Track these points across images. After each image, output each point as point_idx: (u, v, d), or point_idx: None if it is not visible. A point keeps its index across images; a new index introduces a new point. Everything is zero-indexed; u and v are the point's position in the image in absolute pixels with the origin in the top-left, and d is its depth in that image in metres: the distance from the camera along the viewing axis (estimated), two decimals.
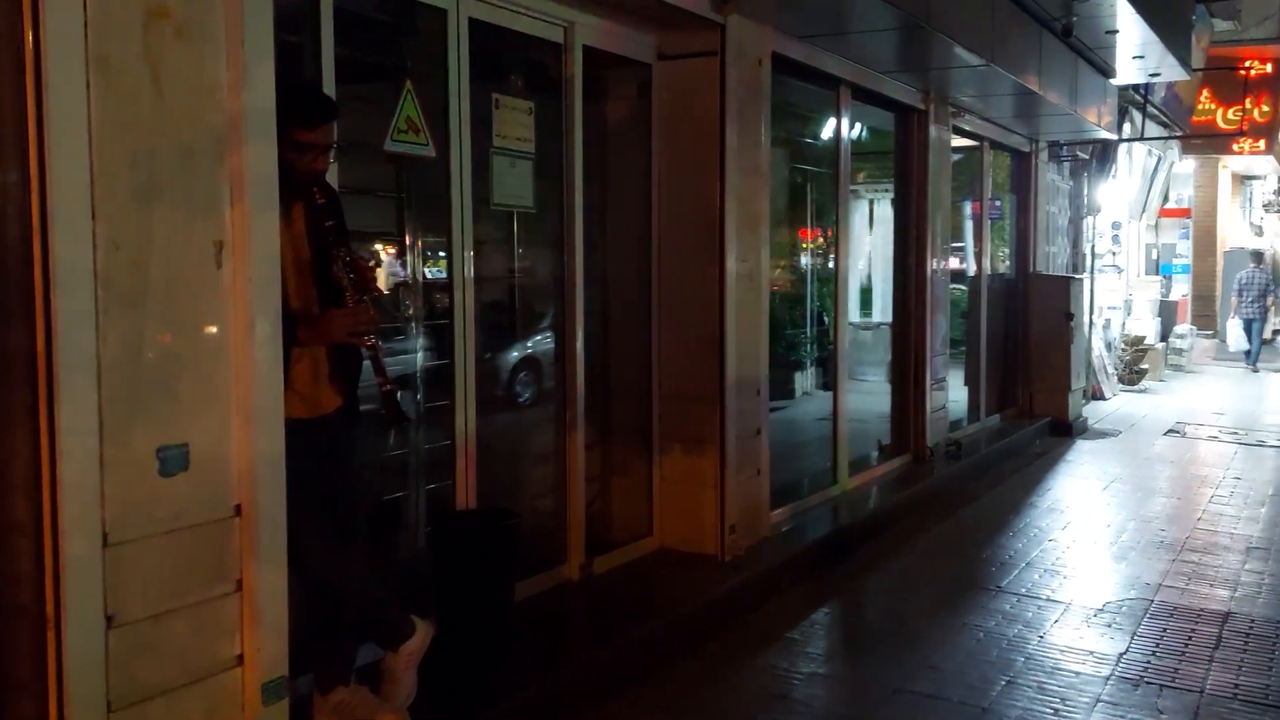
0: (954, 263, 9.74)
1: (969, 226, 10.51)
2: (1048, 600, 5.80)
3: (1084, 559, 6.65)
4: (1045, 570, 6.35)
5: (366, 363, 3.48)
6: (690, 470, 5.78)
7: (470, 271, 4.60)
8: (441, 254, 4.64)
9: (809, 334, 9.13)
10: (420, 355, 4.64)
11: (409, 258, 4.56)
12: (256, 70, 3.13)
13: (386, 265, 4.70)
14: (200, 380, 3.05)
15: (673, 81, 5.73)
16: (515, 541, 4.31)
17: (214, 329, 3.08)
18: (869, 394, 9.07)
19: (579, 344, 5.24)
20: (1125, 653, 5.04)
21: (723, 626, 5.17)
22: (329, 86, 3.89)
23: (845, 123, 7.47)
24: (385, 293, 3.53)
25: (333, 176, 3.89)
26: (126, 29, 2.84)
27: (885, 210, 10.44)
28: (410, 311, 4.58)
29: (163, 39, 2.92)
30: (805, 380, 9.50)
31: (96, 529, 2.80)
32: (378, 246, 4.65)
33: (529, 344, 5.71)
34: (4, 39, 2.68)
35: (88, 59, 2.74)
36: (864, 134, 9.11)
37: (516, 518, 4.35)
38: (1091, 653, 5.05)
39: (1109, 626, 5.40)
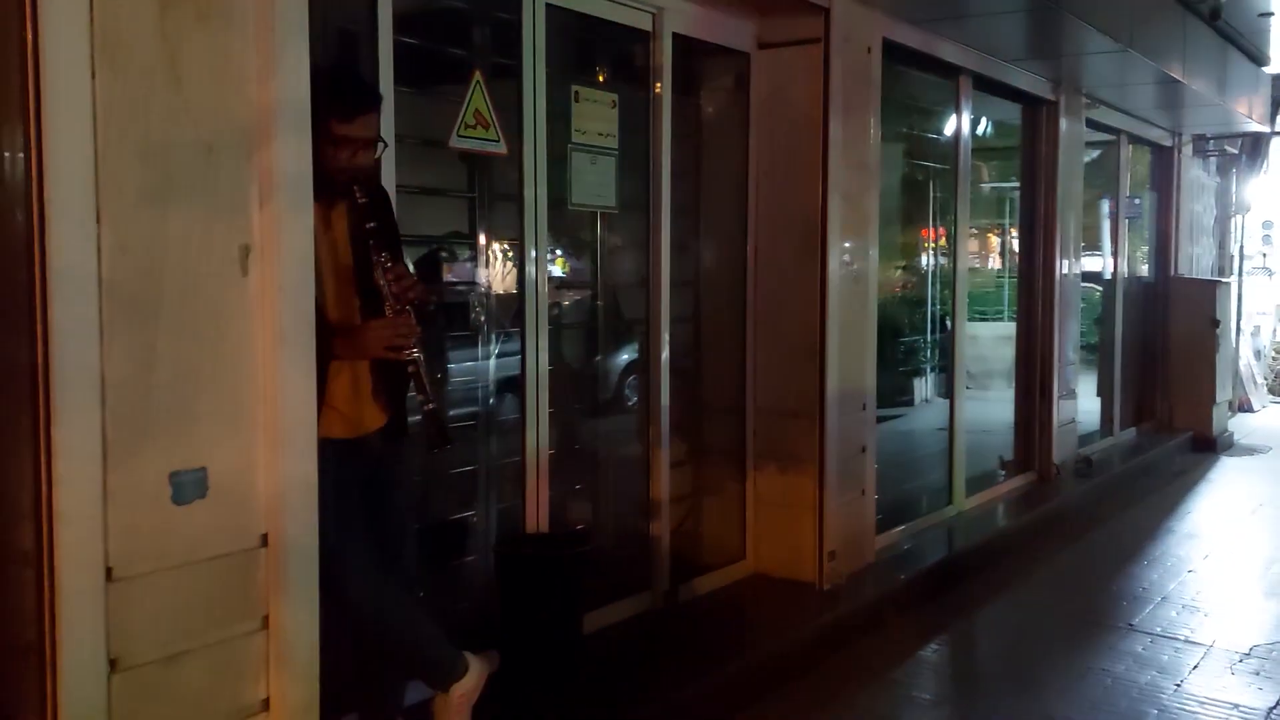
0: (1087, 264, 9.13)
1: (1104, 226, 9.84)
2: (1186, 642, 5.22)
3: (1228, 594, 6.01)
4: (1183, 606, 5.74)
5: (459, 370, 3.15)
6: (786, 491, 5.37)
7: (543, 276, 4.27)
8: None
9: (930, 338, 8.66)
10: (493, 363, 4.33)
11: (481, 260, 4.25)
12: (288, 57, 2.84)
13: (465, 268, 4.39)
14: (221, 398, 2.77)
15: (772, 71, 5.32)
16: (583, 570, 3.97)
17: (238, 341, 2.80)
18: (992, 404, 8.50)
19: (664, 354, 4.87)
20: (1275, 707, 4.45)
21: (818, 663, 4.74)
22: (386, 77, 3.61)
23: (965, 115, 6.95)
24: (433, 301, 3.21)
25: (397, 175, 3.65)
26: (139, 11, 2.57)
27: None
28: (483, 318, 4.27)
29: (182, 23, 2.65)
30: (925, 387, 9.04)
31: (98, 563, 2.53)
32: (437, 250, 4.35)
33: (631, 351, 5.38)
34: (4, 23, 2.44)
35: (93, 44, 2.48)
36: (988, 127, 8.54)
37: (585, 544, 4.01)
38: (1236, 706, 4.48)
39: (1256, 675, 4.81)
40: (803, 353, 5.28)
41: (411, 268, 3.29)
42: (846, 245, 5.35)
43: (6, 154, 2.46)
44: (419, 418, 3.17)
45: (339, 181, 2.98)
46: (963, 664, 5.26)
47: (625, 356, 5.29)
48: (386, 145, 3.13)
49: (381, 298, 3.02)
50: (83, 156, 2.47)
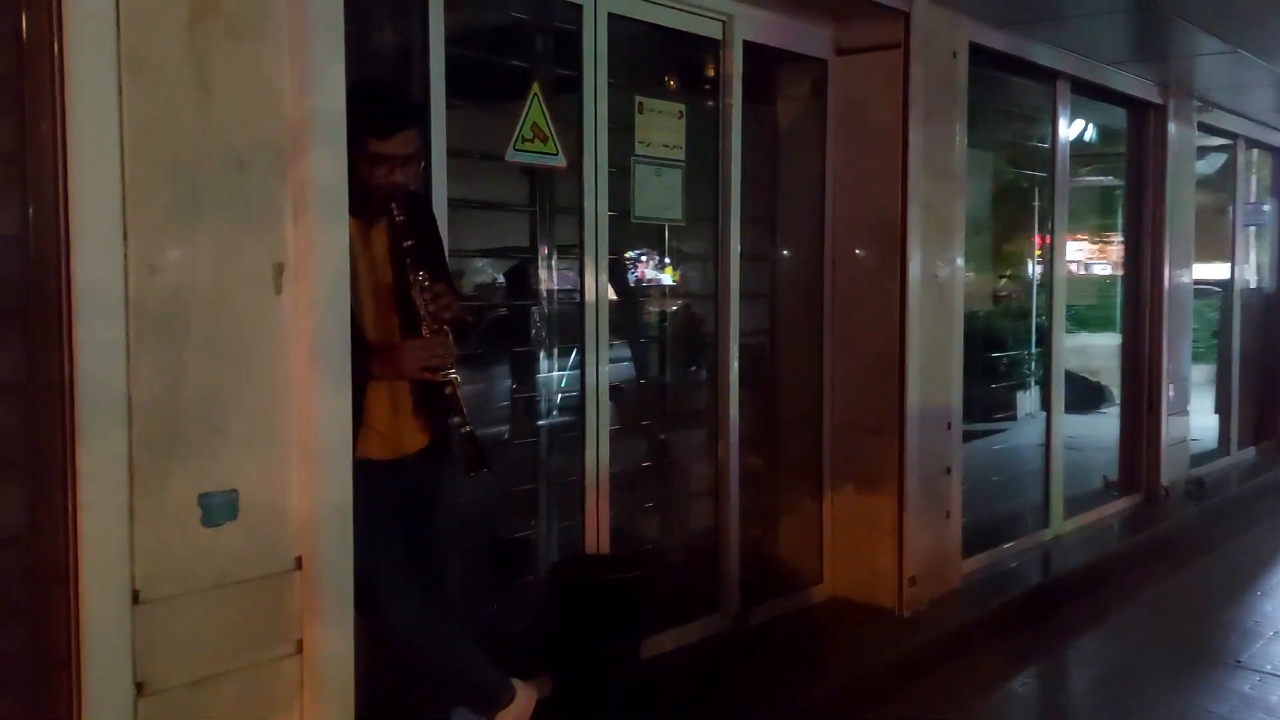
0: (1201, 274, 8.69)
1: (1221, 234, 9.36)
2: None
3: None
4: None
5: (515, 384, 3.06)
6: (865, 512, 5.17)
7: (603, 289, 4.17)
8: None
9: (1034, 350, 8.33)
10: (555, 378, 4.25)
11: (541, 275, 4.16)
12: (324, 71, 2.79)
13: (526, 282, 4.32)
14: (253, 418, 2.72)
15: (851, 78, 5.15)
16: (641, 593, 3.85)
17: (271, 360, 2.75)
18: (1103, 419, 8.14)
19: (732, 370, 4.73)
20: None
21: (894, 693, 4.53)
22: (437, 92, 3.55)
23: (1063, 120, 6.65)
24: (471, 320, 3.13)
25: (454, 189, 3.59)
26: (167, 27, 2.54)
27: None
28: (543, 334, 4.19)
29: (211, 38, 2.61)
30: (1028, 401, 8.71)
31: (124, 585, 2.50)
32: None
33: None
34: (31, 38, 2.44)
35: (119, 60, 2.45)
36: (1091, 132, 8.18)
37: (644, 568, 3.88)
38: None
39: None
40: (882, 367, 5.09)
41: (451, 283, 3.20)
42: (929, 256, 5.15)
43: (33, 171, 2.45)
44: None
45: (377, 199, 2.92)
46: (1053, 698, 4.99)
47: (693, 370, 5.15)
48: (422, 164, 3.05)
49: (419, 317, 2.94)
50: (109, 174, 2.44)
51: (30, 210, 2.49)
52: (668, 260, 4.90)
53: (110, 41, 2.43)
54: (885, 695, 4.50)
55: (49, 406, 2.47)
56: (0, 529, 2.62)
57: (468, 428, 2.99)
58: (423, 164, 3.10)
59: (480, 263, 4.91)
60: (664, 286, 4.96)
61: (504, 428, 4.30)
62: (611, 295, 4.30)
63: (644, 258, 4.95)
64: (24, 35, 2.47)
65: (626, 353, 5.07)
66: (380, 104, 2.94)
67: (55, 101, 2.39)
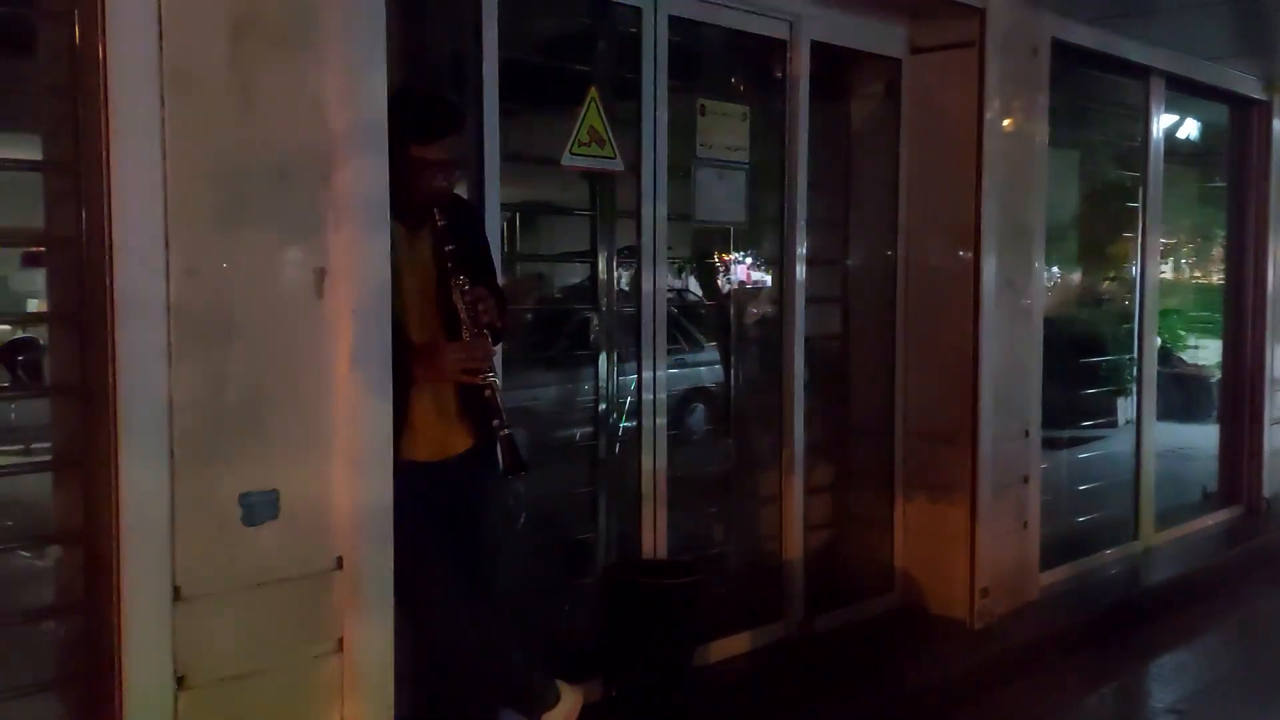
0: None
1: None
2: None
3: None
4: None
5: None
6: (937, 521, 5.06)
7: (661, 293, 4.16)
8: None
9: (1134, 355, 8.06)
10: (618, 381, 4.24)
11: (601, 279, 4.17)
12: (365, 81, 2.83)
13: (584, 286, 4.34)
14: (294, 421, 2.78)
15: (925, 77, 5.05)
16: (694, 600, 3.82)
17: (312, 364, 2.80)
18: (1195, 429, 7.84)
19: (797, 376, 4.67)
20: None
21: (962, 708, 4.43)
22: (491, 96, 3.58)
23: (1156, 118, 6.42)
24: (501, 325, 3.14)
25: (510, 193, 3.61)
26: (209, 39, 2.61)
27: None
28: (601, 339, 4.19)
29: (254, 49, 2.68)
30: (1128, 407, 8.44)
31: (165, 581, 2.57)
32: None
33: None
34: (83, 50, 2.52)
35: (162, 72, 2.52)
36: (1189, 130, 7.88)
37: (697, 574, 3.86)
38: None
39: None
40: (954, 374, 4.98)
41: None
42: (1005, 258, 5.01)
43: (86, 180, 2.53)
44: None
45: (420, 204, 2.96)
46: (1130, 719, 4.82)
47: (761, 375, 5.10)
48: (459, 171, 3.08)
49: (459, 320, 2.97)
50: (151, 182, 2.51)
51: (83, 218, 2.57)
52: (761, 262, 4.86)
53: (153, 54, 2.50)
54: (953, 709, 4.41)
55: (97, 407, 2.56)
56: (63, 525, 2.74)
57: (507, 430, 3.01)
58: (462, 170, 3.10)
59: (540, 267, 4.94)
60: (754, 288, 4.94)
61: (562, 431, 4.31)
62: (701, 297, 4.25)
63: (740, 260, 4.91)
64: (76, 48, 2.57)
65: (703, 357, 5.06)
66: (422, 109, 2.98)
67: (100, 113, 2.47)
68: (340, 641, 2.87)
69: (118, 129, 2.47)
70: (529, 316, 4.54)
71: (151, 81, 2.51)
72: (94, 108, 2.49)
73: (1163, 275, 7.23)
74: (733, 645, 4.47)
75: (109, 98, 2.46)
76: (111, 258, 2.48)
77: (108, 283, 2.49)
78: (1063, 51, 5.42)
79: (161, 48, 2.52)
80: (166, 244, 2.55)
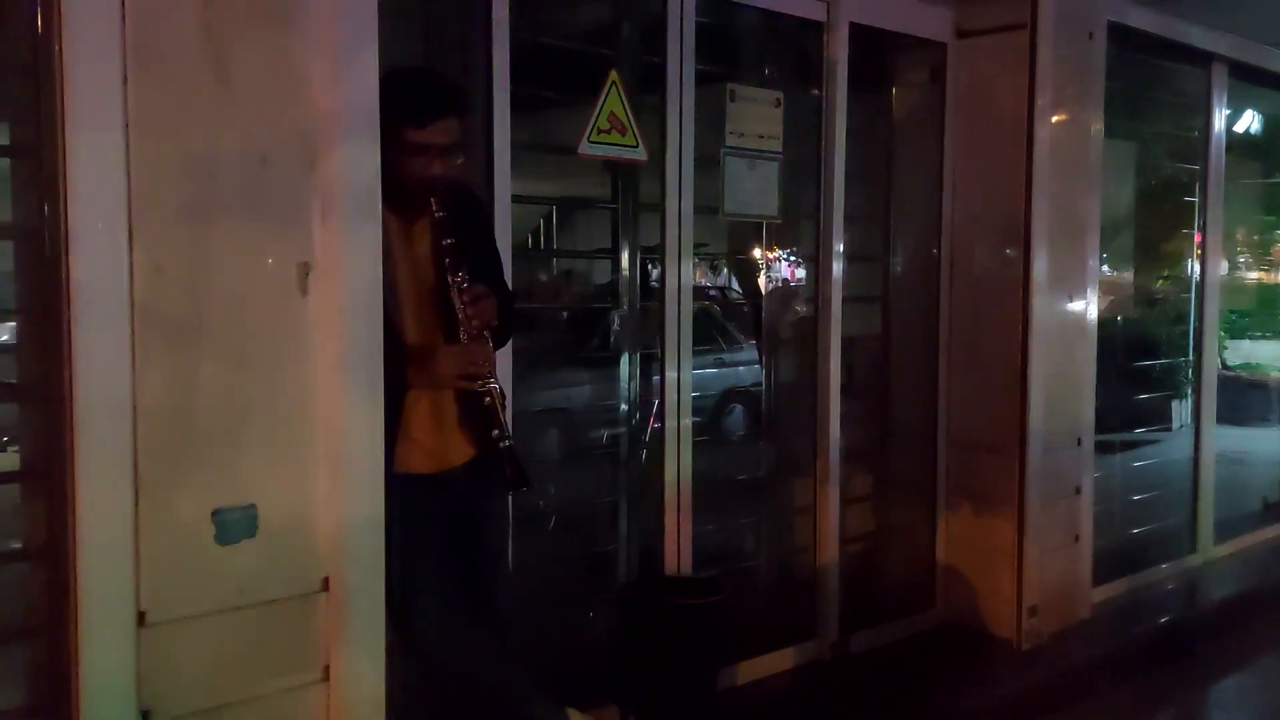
0: None
1: None
2: None
3: None
4: None
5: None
6: (981, 534, 4.77)
7: (687, 291, 3.90)
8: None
9: (1190, 357, 7.71)
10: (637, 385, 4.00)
11: (624, 274, 3.92)
12: (355, 59, 2.59)
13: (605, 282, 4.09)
14: (274, 429, 2.55)
15: (972, 62, 4.75)
16: (716, 620, 3.57)
17: (295, 368, 2.57)
18: (1253, 433, 7.48)
19: (833, 379, 4.39)
20: None
21: None
22: (501, 79, 3.33)
23: (1219, 107, 6.07)
24: (503, 326, 2.89)
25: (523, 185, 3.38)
26: (179, 11, 2.38)
27: None
28: (624, 337, 3.94)
29: (230, 21, 2.44)
30: (1184, 411, 8.08)
31: (128, 604, 2.35)
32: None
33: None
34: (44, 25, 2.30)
35: (124, 45, 2.30)
36: (1251, 122, 7.50)
37: (720, 593, 3.59)
38: None
39: None
40: (1002, 378, 4.68)
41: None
42: (1057, 256, 4.70)
43: (47, 166, 2.31)
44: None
45: (415, 193, 2.71)
46: None
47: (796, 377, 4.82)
48: (463, 158, 2.83)
49: (456, 321, 2.73)
50: (111, 170, 2.28)
51: (45, 207, 2.36)
52: (796, 258, 4.60)
53: (114, 25, 2.27)
54: None
55: (56, 413, 2.34)
56: (27, 541, 2.52)
57: (507, 442, 2.76)
58: (464, 156, 2.85)
59: (562, 264, 4.71)
60: (789, 285, 4.68)
61: (581, 435, 4.07)
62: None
63: (778, 257, 4.65)
64: (39, 23, 2.35)
65: (741, 356, 4.81)
66: (416, 89, 2.73)
67: (55, 91, 2.25)
68: (326, 670, 2.63)
69: (74, 109, 2.24)
70: (546, 315, 4.29)
71: (112, 56, 2.28)
72: (49, 86, 2.27)
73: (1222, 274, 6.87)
74: (762, 666, 4.21)
75: (64, 74, 2.24)
76: (67, 251, 2.26)
77: (63, 278, 2.27)
78: (1119, 36, 5.10)
79: (124, 15, 2.29)
80: (130, 236, 2.32)
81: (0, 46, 2.46)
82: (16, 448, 2.58)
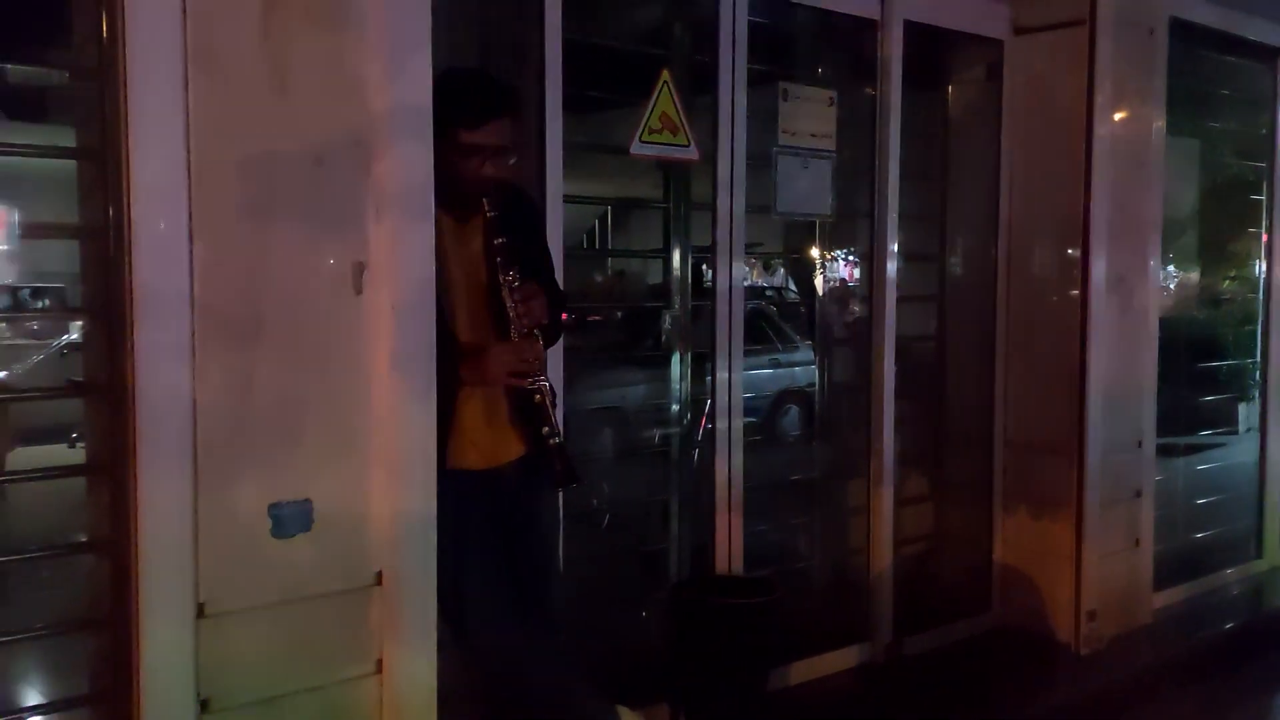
0: None
1: None
2: None
3: None
4: None
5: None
6: (1039, 537, 4.71)
7: (737, 290, 3.90)
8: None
9: (1256, 359, 7.55)
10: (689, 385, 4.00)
11: (675, 274, 3.92)
12: (409, 61, 2.64)
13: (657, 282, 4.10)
14: (329, 425, 2.59)
15: (1029, 59, 4.70)
16: (768, 621, 3.56)
17: (349, 365, 2.62)
18: None
19: (887, 380, 4.36)
20: None
21: None
22: (553, 79, 3.35)
23: None
24: (558, 323, 2.91)
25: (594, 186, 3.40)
26: (239, 16, 2.43)
27: None
28: (674, 339, 3.95)
29: (288, 25, 2.49)
30: (1250, 413, 7.92)
31: (188, 596, 2.40)
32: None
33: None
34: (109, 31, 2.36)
35: (186, 51, 2.35)
36: None
37: (772, 593, 3.59)
38: None
39: None
40: (1060, 378, 4.61)
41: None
42: (1117, 255, 4.63)
43: (111, 169, 2.37)
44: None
45: (469, 194, 2.74)
46: None
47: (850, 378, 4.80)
48: (515, 157, 2.85)
49: (507, 319, 2.75)
50: (173, 171, 2.35)
51: (110, 209, 2.42)
52: (850, 257, 4.58)
53: (176, 32, 2.34)
54: None
55: (119, 408, 2.40)
56: (93, 534, 2.59)
57: (557, 439, 2.78)
58: (518, 158, 2.88)
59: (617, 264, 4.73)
60: (844, 285, 4.67)
61: (634, 435, 4.09)
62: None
63: (834, 256, 4.64)
64: (104, 28, 2.41)
65: (797, 357, 4.80)
66: (470, 90, 2.76)
67: (119, 95, 2.31)
68: (379, 663, 2.69)
69: (136, 112, 2.31)
70: (600, 315, 4.31)
71: (174, 60, 2.34)
72: (113, 90, 2.34)
73: None
74: (814, 667, 4.19)
75: (127, 78, 2.30)
76: (130, 251, 2.32)
77: (126, 277, 2.33)
78: (1182, 31, 5.01)
79: (185, 22, 2.35)
80: (190, 236, 2.38)
81: (68, 52, 2.55)
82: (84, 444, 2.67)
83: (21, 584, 3.57)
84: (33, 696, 2.74)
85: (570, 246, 3.70)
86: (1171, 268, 6.15)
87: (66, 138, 2.61)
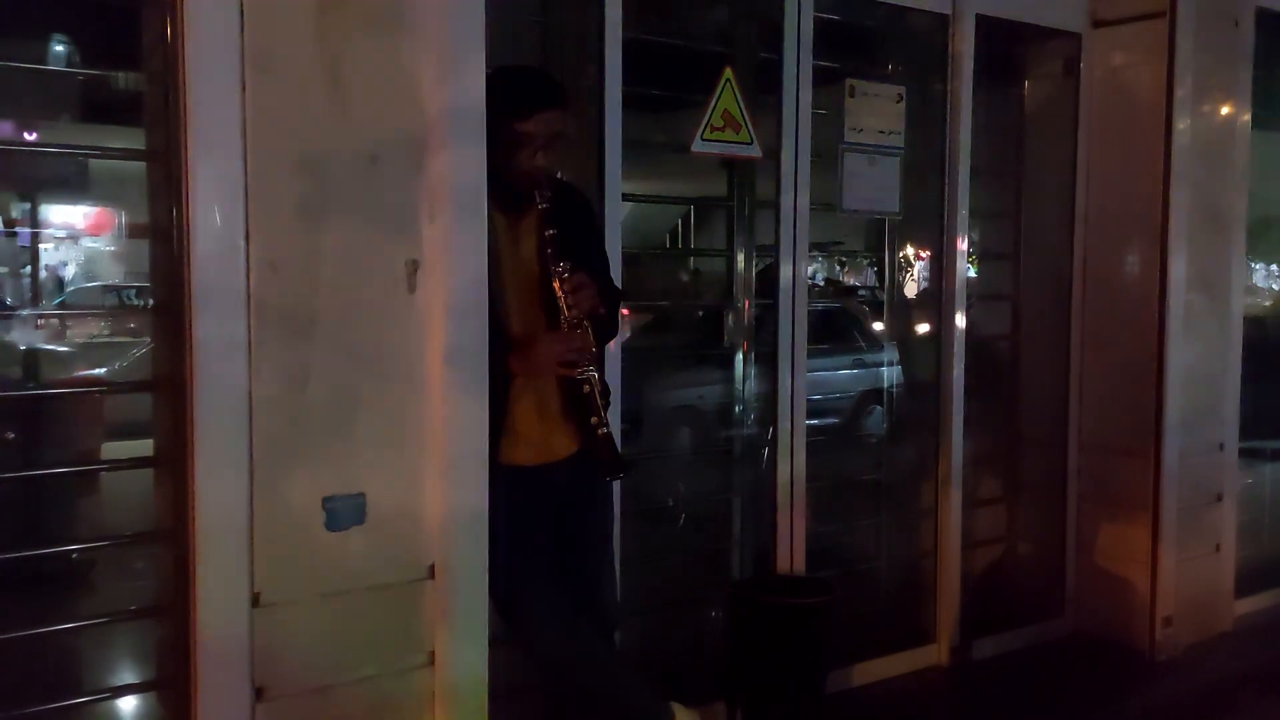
0: None
1: None
2: None
3: None
4: None
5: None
6: (1114, 542, 4.59)
7: (801, 289, 3.87)
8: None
9: None
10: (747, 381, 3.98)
11: (738, 272, 3.91)
12: (464, 62, 2.67)
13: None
14: (383, 420, 2.64)
15: (1108, 52, 4.58)
16: (826, 622, 3.53)
17: (403, 361, 2.67)
18: None
19: (956, 380, 4.29)
20: None
21: None
22: (613, 77, 3.36)
23: None
24: (607, 316, 2.92)
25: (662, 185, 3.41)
26: (295, 19, 2.49)
27: None
28: (737, 338, 3.94)
29: (344, 27, 2.55)
30: None
31: (244, 586, 2.47)
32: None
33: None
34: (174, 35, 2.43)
35: (243, 54, 2.42)
36: None
37: (831, 593, 3.56)
38: None
39: None
40: (1136, 379, 4.49)
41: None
42: (1197, 253, 4.50)
43: (176, 170, 2.44)
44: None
45: (521, 186, 2.76)
46: None
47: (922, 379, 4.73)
48: (567, 150, 2.87)
49: (558, 311, 2.77)
50: (230, 171, 2.41)
51: (174, 209, 2.49)
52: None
53: (233, 35, 2.40)
54: None
55: (179, 402, 2.47)
56: (158, 524, 2.67)
57: (605, 429, 2.78)
58: (566, 148, 2.89)
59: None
60: (915, 284, 4.62)
61: (697, 433, 4.08)
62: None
63: (911, 255, 4.59)
64: (169, 32, 2.48)
65: (879, 357, 4.76)
66: (518, 83, 2.78)
67: (178, 96, 2.38)
68: (431, 655, 2.73)
69: (195, 112, 2.38)
70: (664, 315, 4.31)
71: (231, 62, 2.41)
72: (175, 92, 2.41)
73: None
74: (878, 669, 4.14)
75: (186, 80, 2.36)
76: (189, 248, 2.39)
77: (185, 274, 2.40)
78: (1269, 23, 4.84)
79: (242, 25, 2.41)
80: (247, 234, 2.45)
81: (134, 56, 2.63)
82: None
83: (114, 571, 3.70)
84: (99, 681, 2.83)
85: (652, 246, 3.72)
86: (1258, 265, 5.96)
87: (140, 140, 2.70)
